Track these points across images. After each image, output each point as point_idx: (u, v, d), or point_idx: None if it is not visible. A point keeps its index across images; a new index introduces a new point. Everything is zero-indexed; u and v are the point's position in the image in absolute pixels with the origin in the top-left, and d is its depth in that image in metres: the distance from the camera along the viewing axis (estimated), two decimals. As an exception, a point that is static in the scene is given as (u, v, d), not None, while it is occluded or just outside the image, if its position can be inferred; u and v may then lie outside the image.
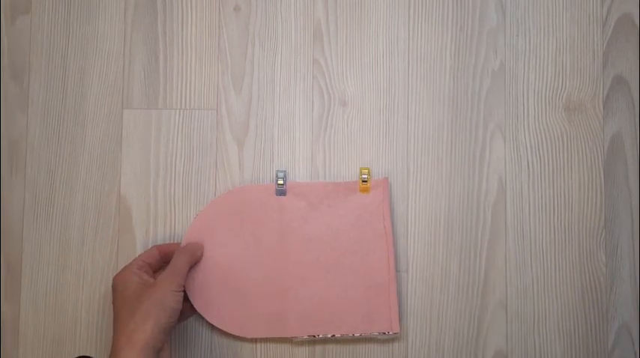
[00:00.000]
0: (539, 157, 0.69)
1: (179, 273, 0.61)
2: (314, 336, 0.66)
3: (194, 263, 0.66)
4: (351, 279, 0.66)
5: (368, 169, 0.68)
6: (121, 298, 0.60)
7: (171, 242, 0.68)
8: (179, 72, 0.70)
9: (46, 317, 0.69)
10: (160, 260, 0.65)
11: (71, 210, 0.69)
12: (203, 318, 0.67)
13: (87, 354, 0.68)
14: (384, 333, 0.66)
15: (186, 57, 0.70)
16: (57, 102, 0.70)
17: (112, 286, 0.62)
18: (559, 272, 0.68)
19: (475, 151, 0.69)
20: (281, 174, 0.68)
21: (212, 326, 0.67)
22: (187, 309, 0.66)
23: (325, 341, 0.67)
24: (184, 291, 0.62)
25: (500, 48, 0.70)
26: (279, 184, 0.67)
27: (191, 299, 0.65)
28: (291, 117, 0.70)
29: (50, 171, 0.70)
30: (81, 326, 0.68)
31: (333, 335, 0.66)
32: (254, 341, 0.68)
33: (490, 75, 0.70)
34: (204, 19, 0.71)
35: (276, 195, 0.67)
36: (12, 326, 0.69)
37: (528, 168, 0.69)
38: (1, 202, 0.70)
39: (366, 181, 0.67)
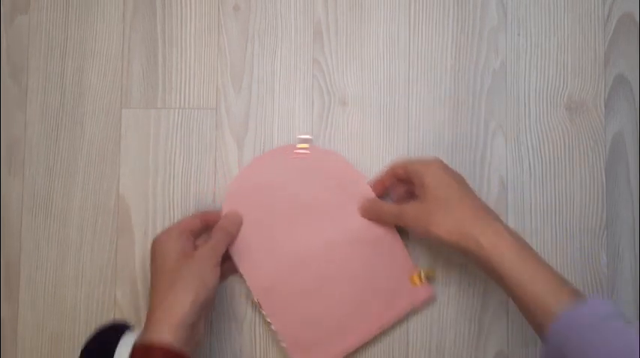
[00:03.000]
0: (541, 157, 0.68)
1: (217, 251, 0.61)
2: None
3: (231, 240, 0.65)
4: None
5: None
6: (161, 268, 0.59)
7: (213, 210, 0.68)
8: (178, 71, 0.70)
9: (44, 316, 0.69)
10: (202, 228, 0.65)
11: (70, 210, 0.69)
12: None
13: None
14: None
15: (185, 56, 0.70)
16: (55, 101, 0.70)
17: (152, 250, 0.61)
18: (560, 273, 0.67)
19: (476, 151, 0.69)
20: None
21: (211, 327, 0.67)
22: (227, 270, 0.65)
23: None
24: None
25: (501, 47, 0.69)
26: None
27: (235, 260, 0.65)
28: (291, 116, 0.70)
29: (49, 171, 0.70)
30: (79, 326, 0.68)
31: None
32: (254, 341, 0.67)
33: (491, 74, 0.69)
34: (203, 18, 0.70)
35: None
36: (10, 325, 0.69)
37: (529, 167, 0.68)
38: None
39: None
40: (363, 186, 0.67)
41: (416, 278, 0.66)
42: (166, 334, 0.53)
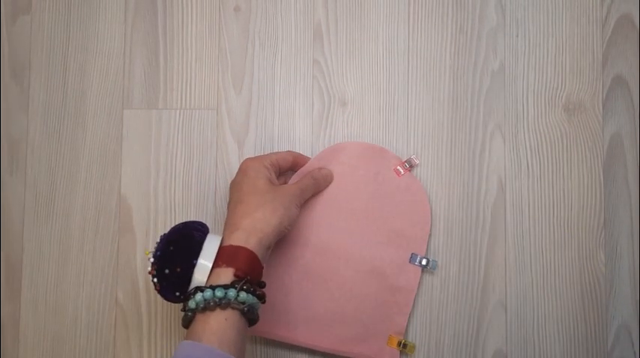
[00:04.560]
0: (539, 157, 0.69)
1: (304, 194, 0.64)
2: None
3: (316, 193, 0.66)
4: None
5: None
6: (252, 185, 0.60)
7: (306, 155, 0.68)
8: (179, 72, 0.70)
9: (46, 316, 0.69)
10: (291, 167, 0.66)
11: (72, 210, 0.70)
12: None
13: (86, 354, 0.68)
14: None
15: (186, 57, 0.70)
16: (57, 102, 0.71)
17: (242, 168, 0.62)
18: (558, 272, 0.68)
19: (475, 151, 0.69)
20: None
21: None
22: None
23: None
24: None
25: (499, 48, 0.70)
26: None
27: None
28: (291, 117, 0.70)
29: (51, 171, 0.70)
30: (81, 326, 0.69)
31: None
32: (254, 342, 0.68)
33: (490, 75, 0.70)
34: (204, 19, 0.71)
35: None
36: (12, 326, 0.69)
37: (528, 168, 0.69)
38: (1, 202, 0.70)
39: None
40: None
41: (394, 340, 0.65)
42: (252, 243, 0.56)
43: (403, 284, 0.66)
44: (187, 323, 0.54)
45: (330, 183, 0.67)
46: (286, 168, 0.66)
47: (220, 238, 0.57)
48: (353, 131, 0.70)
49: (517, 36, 0.70)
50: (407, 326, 0.66)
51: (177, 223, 0.59)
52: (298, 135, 0.70)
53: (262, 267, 0.57)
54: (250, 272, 0.55)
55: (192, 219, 0.69)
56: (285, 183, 0.66)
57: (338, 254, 0.66)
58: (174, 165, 0.70)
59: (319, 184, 0.66)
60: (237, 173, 0.63)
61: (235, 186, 0.62)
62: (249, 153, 0.69)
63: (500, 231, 0.68)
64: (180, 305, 0.57)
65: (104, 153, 0.70)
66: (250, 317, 0.55)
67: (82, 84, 0.71)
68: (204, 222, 0.59)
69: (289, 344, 0.66)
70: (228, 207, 0.61)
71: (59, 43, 0.71)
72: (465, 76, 0.70)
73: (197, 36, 0.71)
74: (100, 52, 0.71)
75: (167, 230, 0.69)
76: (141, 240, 0.69)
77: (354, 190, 0.67)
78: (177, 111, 0.70)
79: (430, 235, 0.68)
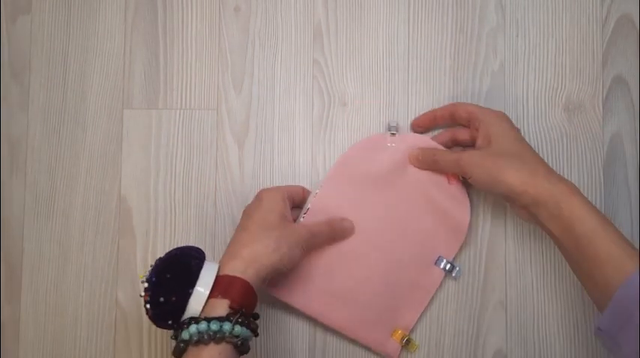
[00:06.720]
0: (539, 157, 0.69)
1: (315, 241, 0.63)
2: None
3: (330, 244, 0.65)
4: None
5: None
6: (263, 218, 0.60)
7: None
8: (179, 72, 0.70)
9: (46, 317, 0.69)
10: (301, 202, 0.66)
11: (72, 210, 0.70)
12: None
13: (86, 354, 0.68)
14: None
15: (186, 57, 0.70)
16: (57, 102, 0.70)
17: (259, 197, 0.62)
18: (558, 272, 0.68)
19: (475, 151, 0.69)
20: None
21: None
22: None
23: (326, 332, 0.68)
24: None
25: (499, 48, 0.70)
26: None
27: None
28: (291, 117, 0.70)
29: (51, 171, 0.70)
30: (81, 326, 0.69)
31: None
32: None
33: (490, 75, 0.70)
34: (204, 20, 0.71)
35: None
36: (12, 326, 0.69)
37: (528, 168, 0.69)
38: (1, 202, 0.70)
39: None
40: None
41: (398, 335, 0.66)
42: (249, 274, 0.55)
43: (423, 283, 0.66)
44: (179, 354, 0.53)
45: (347, 238, 0.66)
46: (297, 203, 0.65)
47: (217, 266, 0.56)
48: (353, 131, 0.70)
49: (517, 36, 0.70)
50: (415, 325, 0.66)
51: (172, 248, 0.58)
52: (298, 135, 0.70)
53: (257, 299, 0.56)
54: (245, 304, 0.54)
55: (193, 219, 0.69)
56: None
57: (370, 238, 0.66)
58: (175, 165, 0.70)
59: (335, 235, 0.65)
60: (253, 200, 0.62)
61: (247, 212, 0.62)
62: (249, 153, 0.69)
63: (500, 231, 0.68)
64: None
65: (104, 153, 0.70)
66: (242, 350, 0.54)
67: (82, 84, 0.71)
68: (200, 247, 0.59)
69: (299, 311, 0.66)
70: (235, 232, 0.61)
71: (59, 43, 0.71)
72: (465, 77, 0.70)
73: (197, 36, 0.71)
74: (100, 52, 0.71)
75: (167, 231, 0.69)
76: (141, 240, 0.69)
77: (404, 182, 0.67)
78: (177, 111, 0.70)
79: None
